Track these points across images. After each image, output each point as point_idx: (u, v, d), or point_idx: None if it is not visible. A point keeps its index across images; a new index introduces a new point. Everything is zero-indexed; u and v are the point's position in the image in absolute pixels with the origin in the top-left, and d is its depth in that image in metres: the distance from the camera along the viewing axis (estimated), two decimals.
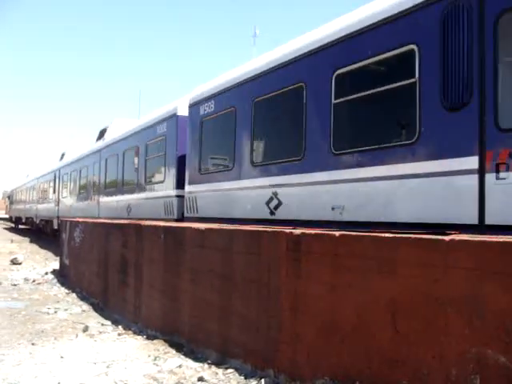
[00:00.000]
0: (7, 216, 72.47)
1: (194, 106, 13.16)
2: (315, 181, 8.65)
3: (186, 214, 13.05)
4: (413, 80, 7.11)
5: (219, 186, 11.66)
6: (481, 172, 6.23)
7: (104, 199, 21.11)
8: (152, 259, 8.92)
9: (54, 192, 32.46)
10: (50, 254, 24.09)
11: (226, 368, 6.40)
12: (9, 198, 73.03)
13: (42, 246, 29.11)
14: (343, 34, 8.35)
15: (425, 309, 4.40)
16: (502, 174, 6.02)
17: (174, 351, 7.42)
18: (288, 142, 9.75)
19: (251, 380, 5.89)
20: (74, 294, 12.72)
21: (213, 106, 12.35)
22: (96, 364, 6.86)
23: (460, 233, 4.95)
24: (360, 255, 5.00)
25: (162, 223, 9.57)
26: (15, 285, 14.24)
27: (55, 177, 32.80)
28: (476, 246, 4.14)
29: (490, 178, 6.11)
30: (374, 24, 7.79)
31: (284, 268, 5.80)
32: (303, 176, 8.92)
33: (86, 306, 11.22)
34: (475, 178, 6.26)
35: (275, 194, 9.61)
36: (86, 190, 24.54)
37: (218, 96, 12.16)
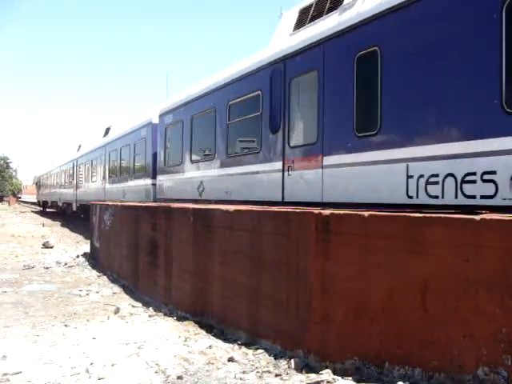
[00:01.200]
0: (36, 200, 76.86)
1: (161, 117, 18.05)
2: (219, 174, 13.52)
3: (157, 197, 18.14)
4: (258, 113, 11.66)
5: (175, 177, 16.75)
6: (283, 171, 10.63)
7: (107, 186, 26.36)
8: (181, 241, 8.97)
9: (73, 179, 37.54)
10: (80, 238, 24.40)
11: (256, 349, 6.44)
12: (37, 183, 77.03)
13: (72, 230, 29.49)
14: (231, 79, 13.17)
15: (455, 289, 4.38)
16: (290, 172, 10.41)
17: (204, 332, 7.47)
18: (209, 147, 14.34)
19: (281, 360, 5.92)
20: (105, 277, 12.88)
21: (171, 118, 17.19)
22: (127, 345, 6.95)
23: (490, 212, 4.90)
24: (389, 235, 4.98)
25: (191, 205, 9.62)
26: (47, 268, 14.46)
27: (73, 165, 38.16)
28: (507, 224, 4.09)
29: (285, 174, 10.54)
30: (244, 75, 12.50)
31: (313, 249, 5.80)
32: (214, 171, 13.83)
33: (116, 288, 11.35)
34: (280, 174, 10.68)
35: (202, 182, 14.53)
36: (96, 178, 29.69)
37: (173, 111, 17.02)
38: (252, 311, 6.86)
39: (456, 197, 6.79)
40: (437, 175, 7.07)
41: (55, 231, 29.61)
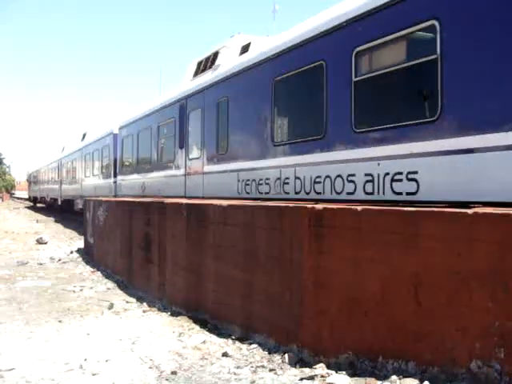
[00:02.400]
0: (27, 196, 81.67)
1: (120, 129, 22.50)
2: (153, 177, 17.82)
3: (116, 193, 22.68)
4: (173, 134, 15.76)
5: (128, 178, 21.28)
6: (185, 175, 14.64)
7: (83, 183, 30.92)
8: (175, 236, 8.97)
9: (58, 177, 42.72)
10: (74, 234, 24.37)
11: (250, 343, 6.45)
12: (28, 180, 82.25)
13: (66, 226, 29.43)
14: (159, 107, 17.56)
15: (448, 282, 4.39)
16: (189, 176, 14.37)
17: (198, 327, 7.48)
18: (148, 157, 18.51)
19: (275, 355, 5.93)
20: (98, 273, 12.87)
21: (125, 131, 21.69)
22: (121, 340, 6.94)
23: (483, 206, 4.91)
24: (382, 229, 4.98)
25: (184, 200, 9.61)
26: (41, 264, 14.44)
27: (58, 165, 43.05)
28: (499, 218, 4.10)
29: (186, 177, 14.54)
30: (165, 105, 16.84)
31: (306, 243, 5.80)
32: (150, 175, 18.08)
33: (110, 284, 11.34)
34: (183, 178, 14.80)
35: (144, 183, 18.76)
36: (75, 176, 34.35)
37: (126, 126, 21.49)
38: (246, 306, 6.86)
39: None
40: (249, 180, 11.33)
41: (49, 227, 29.53)
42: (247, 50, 12.91)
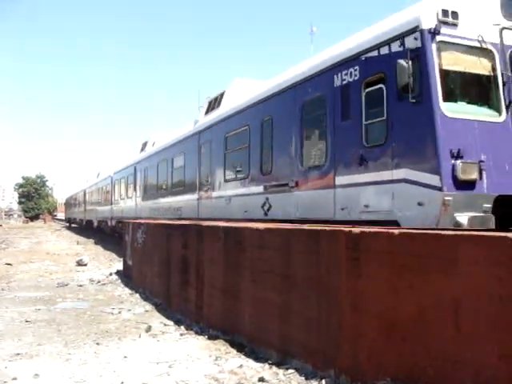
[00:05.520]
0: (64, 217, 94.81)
1: (138, 163, 28.14)
2: (172, 200, 21.43)
3: (138, 215, 26.99)
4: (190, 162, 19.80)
5: (148, 202, 25.54)
6: (198, 199, 17.88)
7: (98, 208, 42.94)
8: (212, 259, 8.97)
9: (84, 202, 53.11)
10: (114, 256, 24.59)
11: (287, 368, 6.37)
12: (65, 204, 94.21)
13: (106, 248, 29.76)
14: (176, 140, 21.38)
15: (488, 308, 4.27)
16: (201, 201, 17.78)
17: (234, 351, 7.44)
18: (164, 184, 22.73)
19: (312, 381, 5.85)
20: (137, 295, 12.93)
21: (146, 162, 26.38)
22: (158, 364, 6.94)
23: None
24: (420, 253, 4.89)
25: (221, 223, 9.62)
26: (81, 286, 14.61)
27: (84, 193, 53.70)
28: None
29: (199, 201, 17.85)
30: (181, 139, 20.61)
31: (343, 267, 5.74)
32: (170, 199, 21.55)
33: (148, 306, 11.38)
34: (196, 201, 18.00)
35: (162, 206, 22.68)
36: (95, 203, 45.29)
37: (145, 159, 26.77)
38: (283, 330, 6.81)
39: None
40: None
41: (89, 249, 29.92)
42: (243, 92, 15.88)
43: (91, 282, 15.24)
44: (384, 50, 9.00)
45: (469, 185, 7.86)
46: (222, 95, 17.31)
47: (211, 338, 8.26)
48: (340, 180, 9.89)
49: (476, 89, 8.81)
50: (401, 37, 8.62)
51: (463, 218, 7.73)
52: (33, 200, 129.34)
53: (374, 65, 9.25)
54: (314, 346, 6.18)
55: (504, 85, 8.50)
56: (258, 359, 6.95)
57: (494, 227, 7.59)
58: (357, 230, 5.70)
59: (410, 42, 8.38)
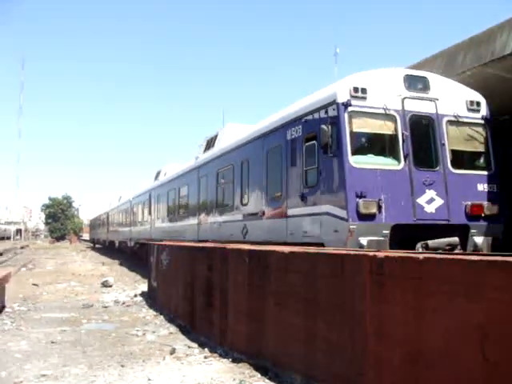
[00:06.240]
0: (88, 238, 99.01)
1: (152, 190, 31.59)
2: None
3: (152, 236, 29.60)
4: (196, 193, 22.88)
5: (160, 225, 28.82)
6: (197, 224, 21.37)
7: (119, 229, 46.59)
8: (237, 282, 8.99)
9: (108, 224, 56.96)
10: (138, 277, 24.69)
11: None
12: (89, 225, 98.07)
13: (131, 269, 29.89)
14: (177, 175, 25.73)
15: None
16: (200, 225, 20.99)
17: (258, 375, 7.43)
18: (172, 211, 26.32)
19: None
20: (161, 317, 12.97)
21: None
22: None
23: None
24: (445, 279, 4.87)
25: (246, 246, 9.66)
26: (106, 307, 14.71)
27: (107, 215, 58.08)
28: None
29: (199, 226, 21.25)
30: (184, 173, 24.61)
31: (368, 292, 5.73)
32: (177, 223, 25.04)
33: (173, 329, 11.41)
34: (196, 226, 21.51)
35: (171, 229, 26.11)
36: (117, 224, 49.20)
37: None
38: (307, 354, 6.79)
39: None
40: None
41: (114, 270, 30.10)
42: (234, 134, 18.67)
43: (116, 304, 15.33)
44: (316, 116, 11.86)
45: (370, 217, 10.33)
46: (216, 136, 20.71)
47: (235, 361, 8.27)
48: (290, 211, 12.74)
49: (381, 144, 11.56)
50: (325, 107, 11.44)
51: (364, 240, 10.13)
52: (59, 221, 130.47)
53: (310, 126, 12.11)
54: (338, 372, 6.16)
55: (403, 141, 11.07)
56: (282, 383, 6.94)
57: (388, 248, 9.97)
58: (381, 254, 5.70)
59: (331, 111, 11.16)
